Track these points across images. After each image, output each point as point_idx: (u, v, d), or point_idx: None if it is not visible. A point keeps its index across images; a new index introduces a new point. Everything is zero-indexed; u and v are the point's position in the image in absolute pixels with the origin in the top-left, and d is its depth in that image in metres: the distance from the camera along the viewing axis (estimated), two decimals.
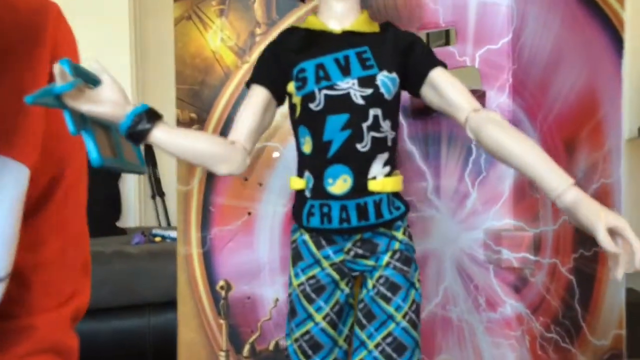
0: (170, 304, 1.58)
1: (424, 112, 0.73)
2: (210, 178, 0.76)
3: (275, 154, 0.75)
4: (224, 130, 0.76)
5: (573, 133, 0.63)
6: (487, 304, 0.74)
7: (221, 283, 0.76)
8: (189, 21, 0.76)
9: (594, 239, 0.47)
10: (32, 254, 0.54)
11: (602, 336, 0.58)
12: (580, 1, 0.62)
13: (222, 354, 0.75)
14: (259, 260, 0.76)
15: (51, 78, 0.52)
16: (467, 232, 0.74)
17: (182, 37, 0.76)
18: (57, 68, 0.43)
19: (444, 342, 0.74)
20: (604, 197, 0.57)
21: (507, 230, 0.72)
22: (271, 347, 0.75)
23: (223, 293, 0.76)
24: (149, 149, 2.65)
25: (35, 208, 0.54)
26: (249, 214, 0.76)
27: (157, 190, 2.88)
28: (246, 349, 0.75)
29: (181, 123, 0.76)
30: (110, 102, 0.46)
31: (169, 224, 2.81)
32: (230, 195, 0.76)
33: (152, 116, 0.48)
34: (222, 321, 0.76)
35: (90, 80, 0.47)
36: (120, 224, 2.42)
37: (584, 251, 0.61)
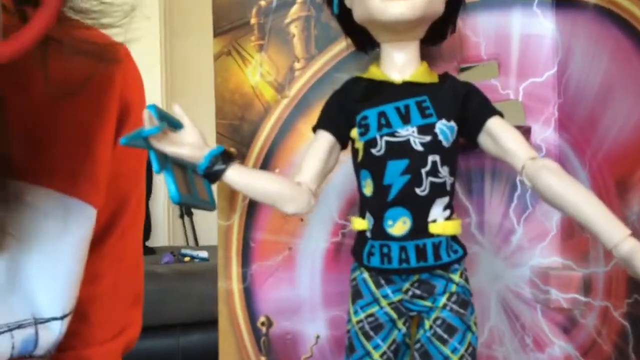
0: (199, 324, 1.60)
1: (467, 148, 0.71)
2: (251, 213, 0.76)
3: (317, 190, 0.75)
4: (264, 165, 0.76)
5: (626, 172, 0.61)
6: (534, 344, 0.72)
7: (262, 319, 0.76)
8: (228, 56, 0.77)
9: None
10: (90, 287, 0.56)
11: None
12: (630, 37, 0.60)
13: None
14: (300, 296, 0.75)
15: (118, 122, 0.56)
16: (513, 269, 0.73)
17: (221, 72, 0.77)
18: (145, 113, 0.47)
19: None
20: None
21: (555, 269, 0.70)
22: None
23: (264, 329, 0.75)
24: None
25: (95, 243, 0.55)
26: (290, 249, 0.76)
27: (185, 209, 2.92)
28: None
29: None
30: (190, 144, 0.51)
31: (197, 243, 2.86)
32: (271, 230, 0.76)
33: (226, 158, 0.53)
34: (263, 358, 0.75)
35: (173, 124, 0.52)
36: (150, 243, 2.45)
37: (639, 297, 0.59)
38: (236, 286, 0.76)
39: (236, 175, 0.53)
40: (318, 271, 0.75)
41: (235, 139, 0.76)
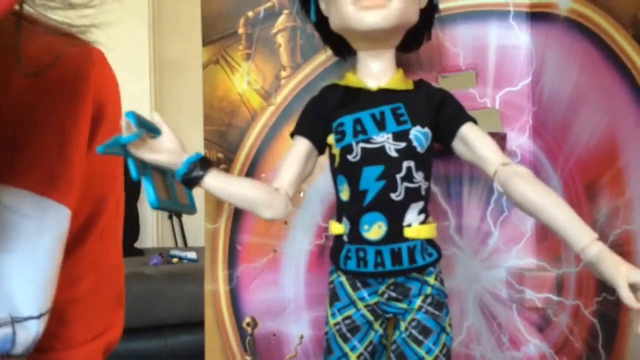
0: (187, 326, 1.60)
1: (446, 153, 0.74)
2: (237, 216, 0.78)
3: (301, 194, 0.77)
4: (250, 170, 0.78)
5: (594, 178, 0.64)
6: (510, 343, 0.75)
7: (247, 320, 0.77)
8: (216, 65, 0.79)
9: None
10: (69, 289, 0.56)
11: None
12: (599, 49, 0.64)
13: None
14: (285, 297, 0.77)
15: (92, 124, 0.56)
16: (490, 271, 0.75)
17: (210, 80, 0.79)
18: (123, 120, 0.48)
19: None
20: (626, 243, 0.58)
21: (530, 270, 0.73)
22: None
23: (249, 330, 0.77)
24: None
25: (73, 245, 0.56)
26: (275, 251, 0.78)
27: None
28: None
29: None
30: (168, 151, 0.52)
31: (185, 244, 2.85)
32: (257, 233, 0.78)
33: (205, 164, 0.53)
34: (248, 357, 0.77)
35: (151, 130, 0.52)
36: (138, 244, 2.45)
37: (607, 295, 0.62)
38: (222, 288, 0.78)
39: (214, 182, 0.54)
40: (302, 273, 0.78)
41: (223, 145, 0.79)
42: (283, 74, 0.78)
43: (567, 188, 0.68)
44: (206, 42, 0.79)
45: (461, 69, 0.76)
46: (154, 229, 2.72)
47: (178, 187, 0.56)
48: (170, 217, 2.88)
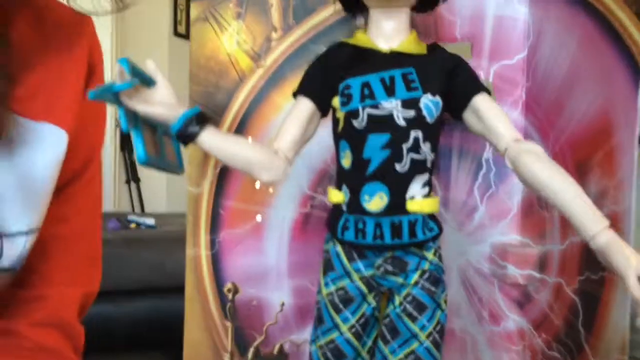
0: (143, 292, 1.60)
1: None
2: (222, 181, 0.77)
3: None
4: (237, 133, 0.76)
5: (585, 156, 0.64)
6: (490, 317, 0.75)
7: (228, 286, 0.77)
8: (205, 22, 0.76)
9: (601, 263, 0.49)
10: (54, 226, 0.58)
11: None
12: (599, 25, 0.62)
13: (227, 355, 0.76)
14: (267, 264, 0.77)
15: (87, 75, 0.58)
16: (474, 245, 0.75)
17: (198, 38, 0.76)
18: (117, 67, 0.46)
19: (446, 353, 0.75)
20: (613, 224, 0.57)
21: (514, 246, 0.73)
22: (275, 351, 0.76)
23: (230, 296, 0.77)
24: (123, 134, 2.66)
25: (64, 185, 0.59)
26: (259, 218, 0.76)
27: (132, 175, 2.86)
28: (251, 352, 0.76)
29: None
30: (163, 103, 0.50)
31: (143, 210, 2.82)
32: (241, 198, 0.76)
33: (201, 120, 0.51)
34: (228, 323, 0.77)
35: (146, 81, 0.50)
36: None
37: (590, 274, 0.62)
38: (204, 253, 0.77)
39: (211, 139, 0.51)
40: (285, 241, 0.77)
41: (209, 106, 0.76)
42: (274, 35, 0.75)
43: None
44: None
45: (457, 39, 0.74)
46: (111, 192, 2.67)
47: (167, 145, 0.54)
48: (127, 182, 2.83)
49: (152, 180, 2.80)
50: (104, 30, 2.46)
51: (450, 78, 0.55)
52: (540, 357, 0.70)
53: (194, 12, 0.76)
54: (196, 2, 0.75)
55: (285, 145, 0.55)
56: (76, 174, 0.60)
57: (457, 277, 0.76)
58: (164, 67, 2.80)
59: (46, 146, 0.54)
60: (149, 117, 0.50)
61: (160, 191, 2.90)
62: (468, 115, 0.56)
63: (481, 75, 0.74)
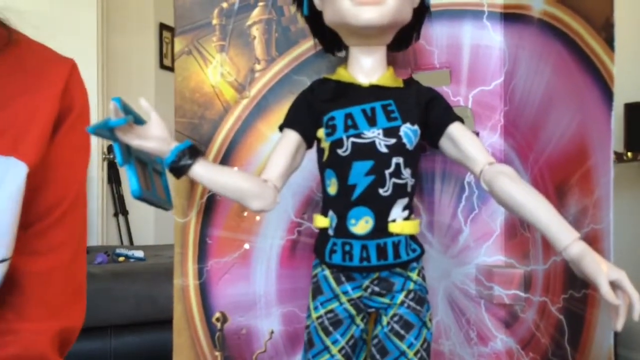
0: (132, 326, 1.57)
1: (422, 150, 0.75)
2: (208, 210, 0.77)
3: None
4: (223, 164, 0.77)
5: (564, 177, 0.65)
6: (478, 338, 0.76)
7: (217, 315, 0.77)
8: (189, 56, 0.77)
9: (584, 282, 0.51)
10: (29, 261, 0.60)
11: None
12: (571, 51, 0.65)
13: None
14: (255, 292, 0.77)
15: (60, 113, 0.61)
16: (460, 267, 0.76)
17: (182, 71, 0.77)
18: (111, 105, 0.49)
19: None
20: (594, 242, 0.59)
21: (499, 266, 0.75)
22: None
23: (219, 325, 0.77)
24: (111, 167, 2.66)
25: (38, 219, 0.60)
26: (246, 246, 0.77)
27: (120, 208, 2.84)
28: None
29: None
30: (157, 138, 0.52)
31: (131, 242, 2.80)
32: (228, 227, 0.77)
33: (193, 153, 0.53)
34: (217, 353, 0.76)
35: (136, 119, 0.52)
36: None
37: (573, 292, 0.63)
38: (192, 282, 0.77)
39: (203, 170, 0.54)
40: (273, 268, 0.77)
41: (195, 137, 0.77)
42: (257, 67, 0.77)
43: (537, 187, 0.69)
44: (179, 32, 0.77)
45: (435, 67, 0.77)
46: (99, 226, 2.65)
47: (157, 181, 0.58)
48: (115, 215, 2.81)
49: (140, 212, 2.79)
50: (91, 62, 2.47)
51: (427, 109, 0.59)
52: None
53: (178, 45, 0.77)
54: (180, 36, 0.77)
55: (274, 175, 0.58)
56: (48, 210, 0.61)
57: (443, 299, 0.76)
58: (151, 99, 2.81)
59: (9, 178, 0.56)
60: (142, 151, 0.52)
61: (149, 223, 2.89)
62: (444, 143, 0.60)
63: (460, 101, 0.77)
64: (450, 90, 0.77)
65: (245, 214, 0.76)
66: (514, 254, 0.75)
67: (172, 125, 0.78)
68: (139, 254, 1.91)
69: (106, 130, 0.48)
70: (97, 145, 2.52)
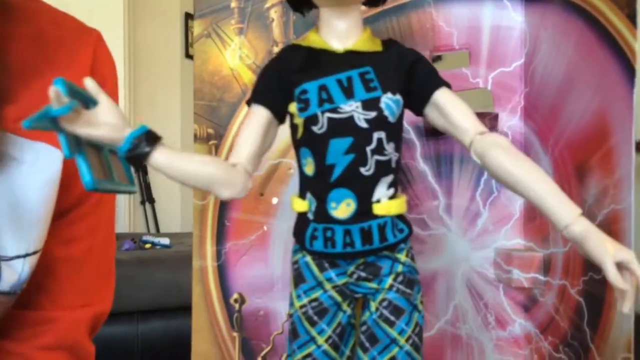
0: (159, 312, 1.60)
1: (437, 133, 0.74)
2: None
3: (290, 170, 0.77)
4: None
5: (584, 158, 0.64)
6: (496, 322, 0.75)
7: (235, 296, 0.77)
8: (208, 39, 0.78)
9: None
10: (64, 248, 0.59)
11: (611, 359, 0.59)
12: (593, 29, 0.63)
13: None
14: (273, 274, 0.77)
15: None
16: (478, 251, 0.76)
17: (201, 54, 0.78)
18: (52, 90, 0.41)
19: (453, 359, 0.76)
20: (615, 222, 0.58)
21: (518, 250, 0.74)
22: None
23: (237, 306, 0.77)
24: None
25: (72, 206, 0.59)
26: (264, 228, 0.77)
27: (146, 196, 2.87)
28: None
29: (198, 138, 0.77)
30: (107, 124, 0.44)
31: (158, 230, 2.83)
32: (246, 210, 0.78)
33: (151, 139, 0.46)
34: (235, 334, 0.77)
35: (86, 101, 0.45)
36: None
37: (593, 274, 0.62)
38: (210, 264, 0.77)
39: (163, 158, 0.46)
40: (291, 250, 0.77)
41: (213, 120, 0.78)
42: (275, 49, 0.77)
43: (558, 169, 0.68)
44: (198, 15, 0.78)
45: (454, 48, 0.76)
46: (126, 213, 2.69)
47: (116, 165, 0.49)
48: (142, 203, 2.85)
49: (167, 200, 2.83)
50: (116, 53, 2.51)
51: (410, 74, 0.53)
52: None
53: (197, 29, 0.78)
54: (199, 19, 0.78)
55: (243, 157, 0.51)
56: (82, 197, 0.60)
57: (462, 283, 0.76)
58: (176, 89, 2.85)
59: (41, 166, 0.53)
60: (92, 140, 0.45)
61: (175, 211, 2.92)
62: (430, 111, 0.53)
63: (479, 83, 0.76)
64: (469, 72, 0.76)
65: (263, 195, 0.76)
66: (534, 237, 0.73)
67: (192, 108, 0.79)
68: (165, 241, 1.94)
69: (47, 120, 0.41)
70: None
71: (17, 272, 0.53)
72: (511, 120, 0.75)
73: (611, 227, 0.58)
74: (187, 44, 2.98)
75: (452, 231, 0.76)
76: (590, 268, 0.62)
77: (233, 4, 0.78)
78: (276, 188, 0.77)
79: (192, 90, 0.77)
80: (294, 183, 0.77)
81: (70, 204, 0.58)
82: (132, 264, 1.60)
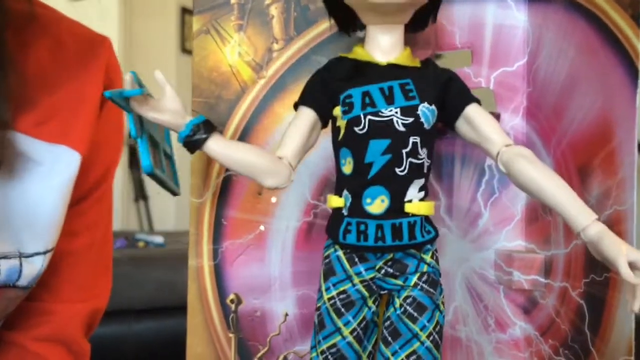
0: (152, 311, 1.58)
1: (439, 133, 0.73)
2: (224, 191, 0.77)
3: None
4: None
5: (586, 159, 0.63)
6: (496, 325, 0.74)
7: (231, 297, 0.76)
8: (207, 35, 0.77)
9: (605, 265, 0.50)
10: (66, 241, 0.60)
11: None
12: (597, 29, 0.63)
13: None
14: (270, 274, 0.76)
15: (102, 97, 0.62)
16: (479, 252, 0.75)
17: (200, 50, 0.77)
18: (127, 77, 0.49)
19: None
20: (617, 223, 0.58)
21: (519, 251, 0.73)
22: None
23: (233, 307, 0.76)
24: (132, 152, 2.67)
25: (78, 201, 0.61)
26: (262, 227, 0.76)
27: (140, 193, 2.86)
28: None
29: None
30: (171, 111, 0.52)
31: (151, 228, 2.81)
32: (243, 209, 0.77)
33: (208, 127, 0.53)
34: (231, 335, 0.76)
35: (150, 95, 0.51)
36: None
37: (595, 276, 0.61)
38: (206, 263, 0.76)
39: (217, 145, 0.54)
40: (289, 250, 0.76)
41: (211, 117, 0.76)
42: (275, 46, 0.76)
43: (560, 170, 0.68)
44: (197, 11, 0.77)
45: (457, 47, 0.75)
46: (119, 211, 2.67)
47: (167, 166, 0.57)
48: (136, 200, 2.83)
49: (161, 198, 2.81)
50: (113, 46, 2.51)
51: (444, 90, 0.59)
52: None
53: (196, 25, 0.77)
54: (198, 15, 0.77)
55: (288, 153, 0.58)
56: (88, 192, 0.63)
57: (461, 284, 0.75)
58: (172, 83, 2.82)
59: (60, 168, 0.56)
60: (155, 131, 0.52)
61: (169, 209, 2.91)
62: (461, 125, 0.59)
63: (481, 82, 0.75)
64: (471, 71, 0.75)
65: (263, 189, 0.75)
66: (535, 238, 0.73)
67: (190, 105, 0.78)
68: (159, 239, 1.93)
69: (122, 99, 0.48)
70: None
71: (37, 268, 0.55)
72: (513, 120, 0.74)
73: (613, 229, 0.57)
74: (183, 38, 2.97)
75: (452, 232, 0.75)
76: (592, 270, 0.61)
77: (233, 0, 0.77)
78: None
79: (189, 86, 0.76)
80: (293, 183, 0.75)
81: (74, 199, 0.60)
82: (125, 263, 1.59)
